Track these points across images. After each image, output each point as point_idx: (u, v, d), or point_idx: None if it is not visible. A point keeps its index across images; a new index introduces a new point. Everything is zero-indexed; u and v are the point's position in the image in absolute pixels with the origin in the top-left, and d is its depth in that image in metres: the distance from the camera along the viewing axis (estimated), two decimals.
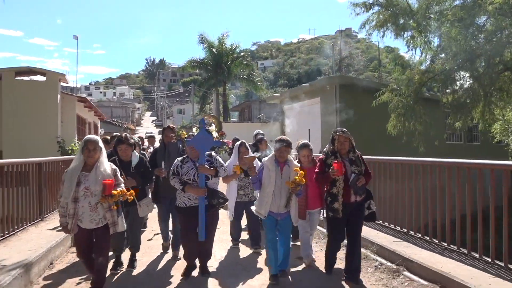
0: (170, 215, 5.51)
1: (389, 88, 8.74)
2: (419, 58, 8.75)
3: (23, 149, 11.55)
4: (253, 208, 4.75)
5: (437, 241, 4.83)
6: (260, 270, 4.93)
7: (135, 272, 4.88)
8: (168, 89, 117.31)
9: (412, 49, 8.83)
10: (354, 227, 4.51)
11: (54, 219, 6.74)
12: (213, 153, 4.79)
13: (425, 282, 3.98)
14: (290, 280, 4.53)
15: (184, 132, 4.81)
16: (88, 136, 4.07)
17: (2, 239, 5.27)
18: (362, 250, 4.73)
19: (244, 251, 5.81)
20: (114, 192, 3.81)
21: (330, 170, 4.28)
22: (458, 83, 8.18)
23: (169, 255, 5.56)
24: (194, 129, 4.78)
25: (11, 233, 5.54)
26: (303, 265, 5.03)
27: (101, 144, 3.98)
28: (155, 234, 6.77)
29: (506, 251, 3.81)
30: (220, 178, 4.84)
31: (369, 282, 4.36)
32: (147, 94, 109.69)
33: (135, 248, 5.08)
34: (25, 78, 14.92)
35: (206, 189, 4.49)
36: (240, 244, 6.07)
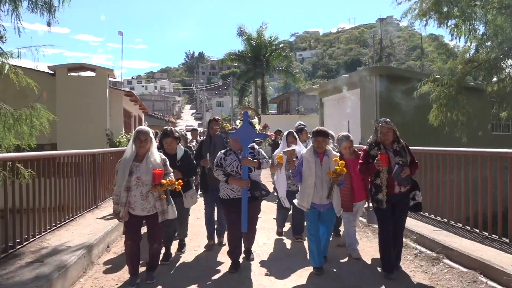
0: (215, 205, 5.60)
1: (431, 78, 8.61)
2: (463, 47, 8.55)
3: (75, 142, 12.26)
4: (295, 201, 4.77)
5: (478, 231, 4.85)
6: (303, 257, 5.04)
7: (184, 256, 5.15)
8: (207, 82, 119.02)
9: (456, 38, 8.62)
10: (398, 218, 4.50)
11: (107, 207, 7.24)
12: (256, 146, 4.81)
13: (465, 269, 4.06)
14: (333, 270, 4.60)
15: (228, 124, 4.88)
16: (139, 127, 4.24)
17: (64, 224, 5.76)
18: (403, 239, 4.81)
19: (286, 240, 5.98)
20: (163, 181, 3.95)
21: (374, 161, 4.28)
22: (504, 72, 7.94)
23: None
24: (237, 122, 4.83)
25: (71, 219, 6.04)
26: (343, 255, 5.12)
27: (151, 135, 4.12)
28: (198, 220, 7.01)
29: None
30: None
31: (409, 269, 4.48)
32: (186, 87, 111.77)
33: (183, 235, 5.35)
34: (75, 74, 15.76)
35: (249, 181, 4.52)
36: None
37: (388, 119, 4.46)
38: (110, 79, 16.21)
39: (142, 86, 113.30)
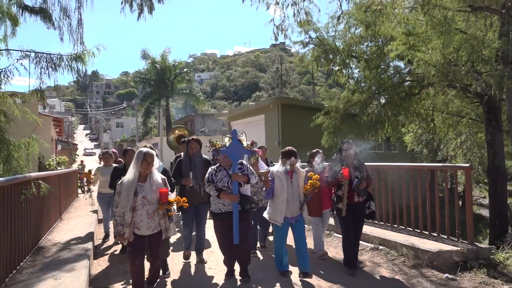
0: (194, 223, 5.77)
1: (322, 112, 11.46)
2: (343, 93, 11.57)
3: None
4: (265, 215, 5.15)
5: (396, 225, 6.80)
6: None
7: (172, 276, 5.11)
8: (102, 101, 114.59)
9: (338, 81, 11.69)
10: (357, 224, 5.23)
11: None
12: (244, 162, 5.00)
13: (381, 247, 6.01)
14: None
15: (217, 142, 5.00)
16: (145, 149, 4.28)
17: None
18: None
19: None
20: (171, 199, 4.18)
21: (338, 175, 4.97)
22: (370, 108, 11.06)
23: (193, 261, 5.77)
24: (226, 139, 4.95)
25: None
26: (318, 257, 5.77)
27: (155, 156, 4.27)
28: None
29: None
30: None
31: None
32: (79, 107, 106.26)
33: (165, 255, 5.15)
34: None
35: (239, 195, 4.74)
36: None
37: (350, 140, 5.37)
38: None
39: None
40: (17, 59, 5.32)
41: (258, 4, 9.93)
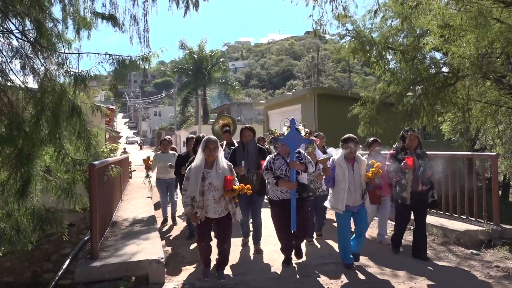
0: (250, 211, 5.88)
1: (358, 103, 12.01)
2: (379, 85, 12.06)
3: None
4: (327, 204, 5.16)
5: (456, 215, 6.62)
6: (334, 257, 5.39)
7: (231, 261, 5.16)
8: (140, 89, 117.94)
9: (376, 75, 12.19)
10: (421, 212, 5.27)
11: None
12: (301, 150, 5.06)
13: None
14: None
15: (276, 131, 5.10)
16: (208, 137, 4.57)
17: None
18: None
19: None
20: (235, 187, 4.33)
21: (402, 164, 4.99)
22: (406, 99, 11.52)
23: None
24: (284, 129, 5.02)
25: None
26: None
27: (218, 144, 4.51)
28: None
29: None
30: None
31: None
32: (118, 96, 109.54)
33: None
34: None
35: (296, 183, 4.80)
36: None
37: (414, 128, 5.55)
38: None
39: None
40: (99, 62, 6.22)
41: (298, 0, 10.59)
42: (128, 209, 8.40)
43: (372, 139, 6.19)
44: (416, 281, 4.47)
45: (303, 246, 5.55)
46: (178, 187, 7.57)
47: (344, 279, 4.63)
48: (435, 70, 11.57)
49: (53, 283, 4.96)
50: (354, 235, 5.07)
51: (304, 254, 5.38)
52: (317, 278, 4.68)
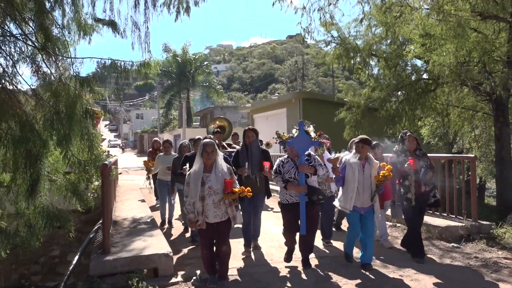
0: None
1: (344, 108, 12.55)
2: (364, 91, 12.62)
3: None
4: (336, 203, 5.16)
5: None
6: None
7: (238, 264, 5.25)
8: (121, 92, 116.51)
9: (358, 80, 12.79)
10: (423, 212, 5.44)
11: None
12: (312, 153, 5.00)
13: None
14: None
15: (284, 134, 5.02)
16: (205, 140, 4.48)
17: None
18: None
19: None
20: (235, 189, 4.25)
21: (406, 165, 4.98)
22: (389, 104, 12.11)
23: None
24: (293, 131, 4.98)
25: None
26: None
27: (216, 146, 4.41)
28: None
29: None
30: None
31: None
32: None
33: None
34: None
35: (306, 187, 4.76)
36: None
37: (411, 130, 5.70)
38: None
39: None
40: (101, 66, 6.47)
41: (287, 8, 11.04)
42: (124, 210, 8.63)
43: (374, 143, 6.06)
44: (405, 270, 4.89)
45: (321, 245, 5.76)
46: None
47: (345, 272, 4.88)
48: (417, 76, 12.24)
49: (65, 277, 5.18)
50: (361, 245, 5.05)
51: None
52: (318, 270, 4.96)
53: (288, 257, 5.18)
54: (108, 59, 6.86)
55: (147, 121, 68.41)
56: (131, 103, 77.07)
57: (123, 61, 6.91)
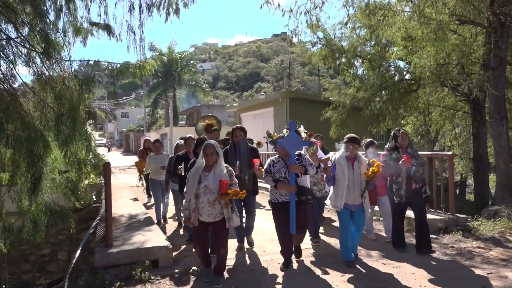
0: (243, 210, 5.86)
1: (330, 107, 13.00)
2: (349, 91, 13.08)
3: None
4: (327, 202, 5.28)
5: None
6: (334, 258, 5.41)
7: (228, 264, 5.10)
8: (106, 91, 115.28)
9: (343, 79, 13.26)
10: (419, 208, 5.50)
11: None
12: (302, 152, 5.00)
13: None
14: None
15: (275, 134, 5.06)
16: (206, 142, 4.64)
17: None
18: None
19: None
20: (229, 191, 4.29)
21: (401, 162, 5.11)
22: (373, 104, 12.60)
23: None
24: (284, 131, 4.99)
25: None
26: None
27: (217, 148, 4.47)
28: None
29: None
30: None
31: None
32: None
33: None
34: None
35: (295, 186, 4.77)
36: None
37: (403, 128, 5.90)
38: None
39: None
40: (101, 70, 6.75)
41: (275, 11, 11.41)
42: (118, 207, 8.85)
43: (368, 140, 6.30)
44: (387, 261, 5.31)
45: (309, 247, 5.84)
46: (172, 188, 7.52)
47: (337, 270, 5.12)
48: (399, 77, 12.77)
49: (70, 270, 5.44)
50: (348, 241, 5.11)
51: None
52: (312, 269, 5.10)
53: (285, 265, 5.06)
54: (106, 62, 7.16)
55: (133, 120, 67.82)
56: (115, 102, 76.55)
57: (120, 63, 7.21)
